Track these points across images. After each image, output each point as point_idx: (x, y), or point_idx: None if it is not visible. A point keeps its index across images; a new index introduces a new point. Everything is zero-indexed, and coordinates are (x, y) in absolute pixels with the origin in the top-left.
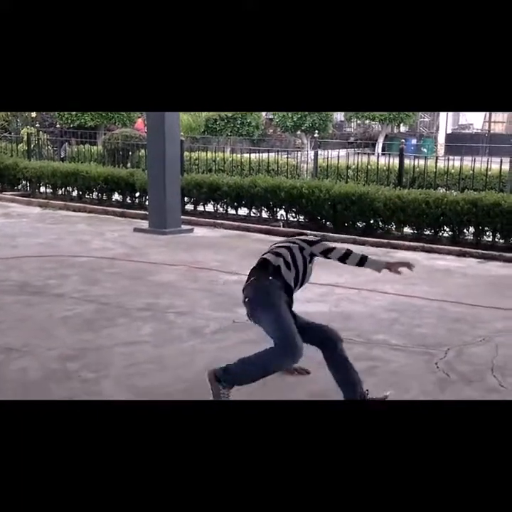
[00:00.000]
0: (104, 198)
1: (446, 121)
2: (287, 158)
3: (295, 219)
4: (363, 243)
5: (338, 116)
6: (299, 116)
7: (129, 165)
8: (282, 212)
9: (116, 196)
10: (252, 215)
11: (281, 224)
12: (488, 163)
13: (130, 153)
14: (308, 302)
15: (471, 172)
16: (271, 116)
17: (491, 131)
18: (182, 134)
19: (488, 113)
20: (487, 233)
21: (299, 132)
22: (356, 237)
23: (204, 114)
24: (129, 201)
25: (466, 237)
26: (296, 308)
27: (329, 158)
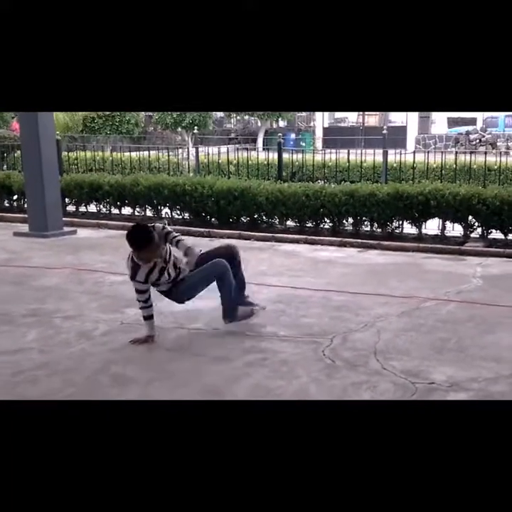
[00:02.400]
0: None
1: (322, 116)
2: (168, 155)
3: (180, 216)
4: (248, 237)
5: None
6: (179, 112)
7: (4, 167)
8: (166, 210)
9: None
10: (136, 213)
11: (166, 222)
12: (362, 156)
13: (5, 154)
14: (198, 299)
15: (347, 164)
16: (150, 114)
17: (365, 124)
18: (58, 133)
19: None
20: (365, 223)
21: (179, 129)
22: (241, 232)
23: (80, 112)
24: (7, 204)
25: (346, 228)
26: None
27: (211, 155)
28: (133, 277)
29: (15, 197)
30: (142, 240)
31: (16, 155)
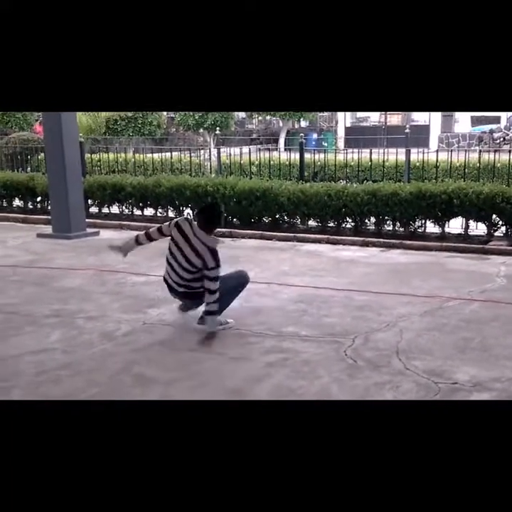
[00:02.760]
0: (4, 204)
1: (344, 115)
2: (190, 156)
3: None
4: (270, 238)
5: (240, 113)
6: (201, 114)
7: (28, 169)
8: (188, 210)
9: (16, 202)
10: (159, 214)
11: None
12: (384, 155)
13: (29, 157)
14: None
15: (370, 164)
16: (172, 115)
17: (388, 123)
18: (81, 135)
19: None
20: (387, 222)
21: (201, 130)
22: (263, 232)
23: (103, 114)
24: (31, 206)
25: (368, 227)
26: None
27: (232, 155)
28: (219, 264)
29: (38, 199)
30: (219, 213)
31: (39, 157)
